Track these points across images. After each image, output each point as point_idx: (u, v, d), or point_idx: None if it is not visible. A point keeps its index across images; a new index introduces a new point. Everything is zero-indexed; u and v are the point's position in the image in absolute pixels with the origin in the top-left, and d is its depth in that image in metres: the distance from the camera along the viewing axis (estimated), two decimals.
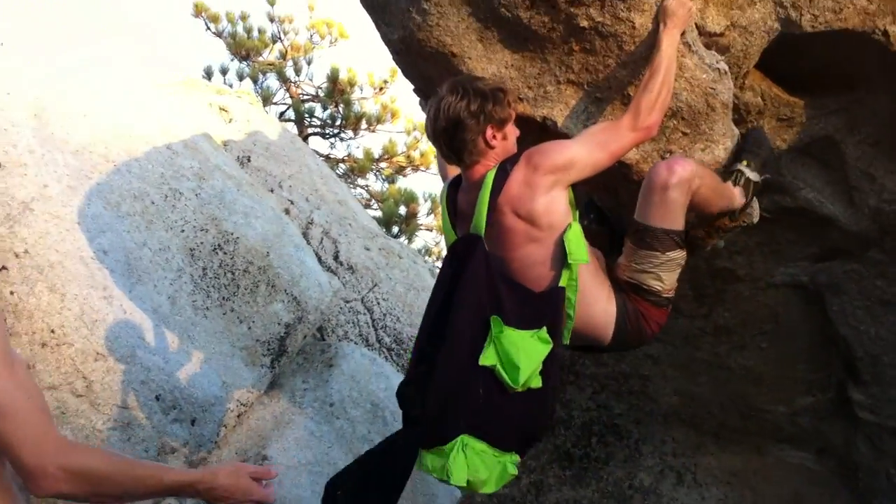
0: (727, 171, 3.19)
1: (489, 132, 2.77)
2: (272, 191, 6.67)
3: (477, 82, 2.80)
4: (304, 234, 6.50)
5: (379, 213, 12.73)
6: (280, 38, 14.76)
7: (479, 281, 2.70)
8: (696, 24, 3.09)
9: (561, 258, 2.73)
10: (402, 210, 12.76)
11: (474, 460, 2.64)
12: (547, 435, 2.92)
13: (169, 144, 5.49)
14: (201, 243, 5.13)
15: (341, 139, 14.20)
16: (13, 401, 1.78)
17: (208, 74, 13.71)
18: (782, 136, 3.56)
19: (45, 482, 1.80)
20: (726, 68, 3.03)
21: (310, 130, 14.01)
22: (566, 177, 2.73)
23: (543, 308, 2.72)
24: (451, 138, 2.78)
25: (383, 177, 14.28)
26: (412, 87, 3.71)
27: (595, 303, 2.86)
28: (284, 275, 5.41)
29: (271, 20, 14.67)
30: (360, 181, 14.21)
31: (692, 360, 4.64)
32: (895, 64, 3.17)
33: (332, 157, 14.10)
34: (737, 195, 3.17)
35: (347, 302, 6.44)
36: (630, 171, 3.15)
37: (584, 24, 2.89)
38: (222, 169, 5.71)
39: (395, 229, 12.80)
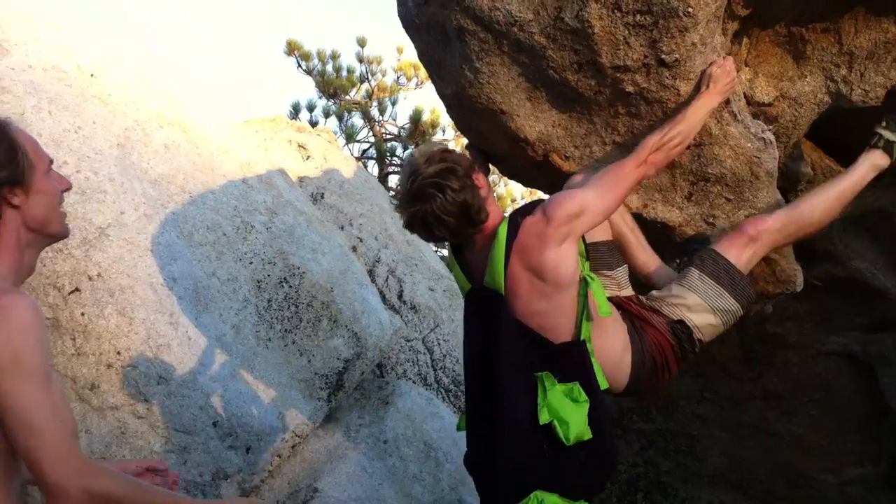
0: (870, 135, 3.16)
1: (476, 180, 2.77)
2: (342, 228, 6.80)
3: (424, 169, 2.72)
4: (370, 272, 6.60)
5: (446, 252, 12.83)
6: (368, 79, 15.08)
7: (513, 339, 2.73)
8: (744, 93, 3.11)
9: (576, 311, 2.75)
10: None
11: None
12: (613, 479, 2.92)
13: (245, 179, 5.66)
14: (268, 276, 5.25)
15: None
16: (46, 420, 1.88)
17: (296, 110, 14.09)
18: None
19: (66, 502, 1.88)
20: (772, 138, 3.03)
21: (390, 169, 14.25)
22: (578, 226, 2.71)
23: (569, 363, 2.72)
24: (467, 220, 2.75)
25: None
26: (466, 140, 3.79)
27: (612, 352, 2.87)
28: (346, 311, 5.50)
29: (360, 60, 15.03)
30: None
31: (740, 423, 4.58)
32: None
33: None
34: (878, 159, 3.13)
35: (408, 341, 6.51)
36: (673, 234, 3.17)
37: (630, 89, 2.94)
38: (294, 205, 5.86)
39: None
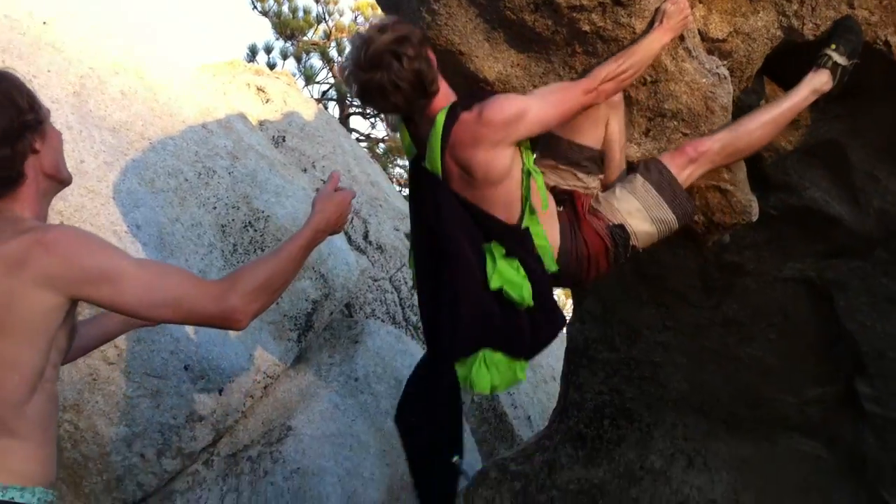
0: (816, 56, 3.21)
1: (430, 55, 2.78)
2: (305, 171, 6.81)
3: (379, 39, 2.69)
4: None
5: None
6: (325, 19, 14.90)
7: (458, 215, 2.85)
8: (698, 29, 3.17)
9: (518, 202, 2.86)
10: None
11: (493, 370, 2.90)
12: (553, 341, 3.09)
13: (205, 124, 5.64)
14: (232, 220, 5.27)
15: (382, 119, 14.35)
16: (179, 287, 2.03)
17: (252, 53, 13.90)
18: (788, 137, 3.62)
19: (239, 315, 2.05)
20: (726, 73, 3.11)
21: (351, 110, 14.16)
22: (513, 132, 2.74)
23: (513, 243, 2.86)
24: (420, 90, 2.75)
25: None
26: None
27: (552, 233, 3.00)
28: (313, 253, 5.53)
29: (317, 1, 14.84)
30: (400, 161, 14.32)
31: (702, 349, 4.72)
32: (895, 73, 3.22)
33: (372, 136, 14.27)
34: (823, 81, 3.18)
35: (375, 280, 6.58)
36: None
37: (587, 28, 2.99)
38: (256, 149, 5.86)
39: None
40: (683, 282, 4.36)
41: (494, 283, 2.80)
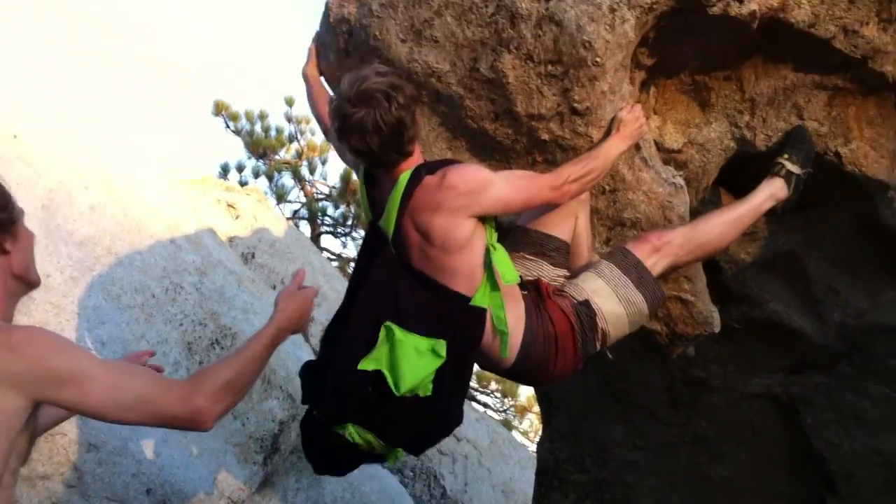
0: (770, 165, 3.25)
1: (417, 116, 2.74)
2: (274, 287, 6.80)
3: (373, 81, 2.65)
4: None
5: None
6: (297, 138, 15.13)
7: (382, 284, 2.73)
8: (654, 140, 3.26)
9: (478, 276, 2.76)
10: None
11: (366, 441, 2.73)
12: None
13: (173, 239, 5.64)
14: (199, 337, 5.21)
15: (352, 238, 14.43)
16: (144, 388, 1.98)
17: (224, 171, 14.07)
18: (746, 249, 3.68)
19: (205, 416, 2.00)
20: (682, 183, 3.17)
21: (322, 229, 14.26)
22: (475, 204, 2.70)
23: (457, 320, 2.73)
24: (396, 141, 2.68)
25: None
26: None
27: (515, 322, 2.84)
28: (280, 371, 5.46)
29: (289, 120, 15.08)
30: None
31: (672, 469, 4.65)
32: (849, 183, 3.30)
33: (343, 255, 14.31)
34: (778, 187, 3.21)
35: None
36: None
37: (546, 136, 3.06)
38: (224, 265, 5.84)
39: None
40: (651, 397, 4.33)
41: (364, 364, 2.62)
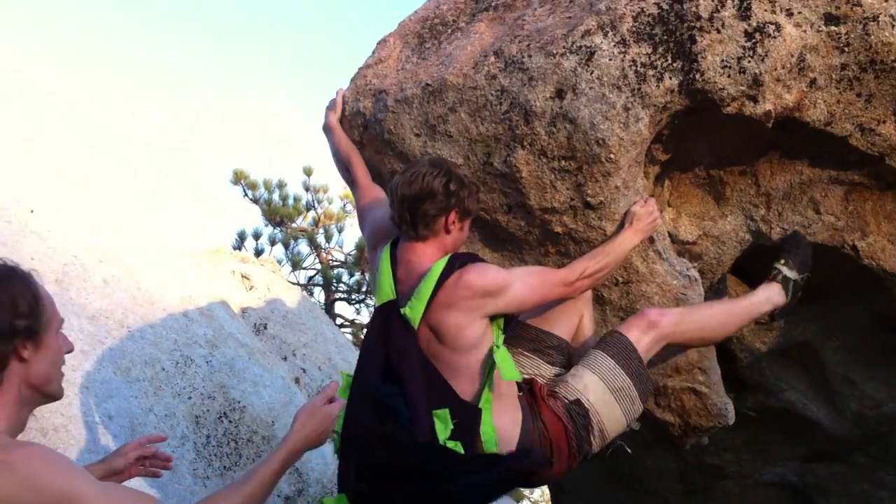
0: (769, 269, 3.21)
1: (453, 216, 2.73)
2: (285, 359, 6.75)
3: (457, 168, 2.78)
4: None
5: None
6: (314, 206, 15.27)
7: (418, 372, 2.67)
8: (668, 232, 3.23)
9: (479, 377, 2.70)
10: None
11: None
12: None
13: (185, 312, 5.63)
14: (207, 411, 5.16)
15: (366, 305, 14.41)
16: None
17: (241, 239, 14.15)
18: (762, 338, 3.63)
19: None
20: (697, 275, 3.13)
21: (337, 296, 14.27)
22: (490, 305, 2.67)
23: (462, 421, 2.65)
24: (415, 205, 2.69)
25: None
26: None
27: (502, 424, 2.74)
28: None
29: (307, 189, 15.23)
30: None
31: None
32: (865, 276, 3.25)
33: (356, 322, 14.29)
34: (775, 293, 3.16)
35: None
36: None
37: (559, 229, 3.04)
38: (236, 337, 5.82)
39: None
40: (664, 484, 4.25)
41: (444, 436, 2.57)
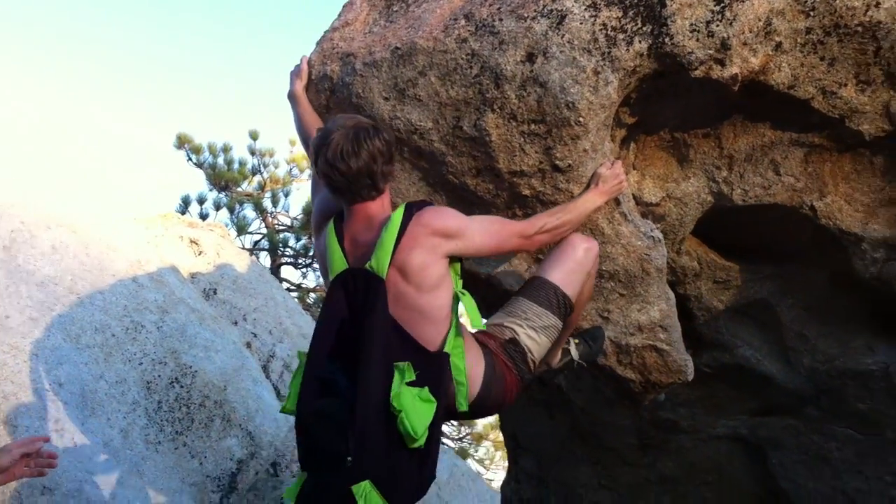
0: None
1: (390, 168, 2.75)
2: (236, 324, 6.69)
3: (365, 121, 2.75)
4: (265, 368, 6.49)
5: None
6: (260, 171, 15.08)
7: (387, 326, 2.66)
8: (633, 194, 3.26)
9: (447, 323, 2.73)
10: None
11: None
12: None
13: (135, 277, 5.53)
14: (159, 376, 5.10)
15: (313, 269, 14.31)
16: None
17: (185, 204, 13.90)
18: (719, 297, 3.70)
19: None
20: (660, 236, 3.17)
21: (283, 260, 14.14)
22: (448, 245, 2.71)
23: (428, 370, 2.65)
24: (370, 172, 2.68)
25: None
26: None
27: (475, 365, 2.82)
28: (240, 409, 5.38)
29: (252, 153, 15.02)
30: None
31: None
32: (823, 236, 3.32)
33: (303, 286, 14.17)
34: (561, 351, 3.29)
35: None
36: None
37: (527, 192, 3.05)
38: (186, 302, 5.74)
39: None
40: (620, 440, 4.33)
41: (396, 404, 2.54)
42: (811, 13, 2.79)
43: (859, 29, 2.81)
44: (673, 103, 3.06)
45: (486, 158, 3.01)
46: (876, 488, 3.96)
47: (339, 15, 3.37)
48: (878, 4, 2.77)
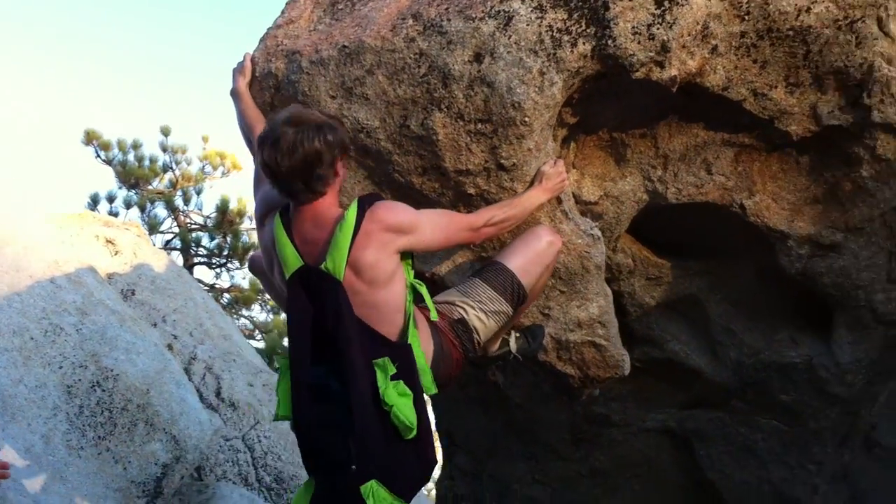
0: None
1: (339, 162, 2.74)
2: (155, 325, 6.57)
3: (314, 114, 2.73)
4: (187, 370, 6.39)
5: (262, 345, 12.51)
6: (172, 168, 14.82)
7: (355, 327, 2.71)
8: (573, 193, 3.35)
9: (402, 315, 2.80)
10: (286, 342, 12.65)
11: None
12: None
13: (53, 278, 5.40)
14: (79, 380, 5.00)
15: (227, 269, 14.14)
16: None
17: (94, 202, 13.57)
18: (651, 293, 3.83)
19: None
20: (599, 234, 3.28)
21: (196, 260, 13.93)
22: (399, 240, 2.75)
23: (397, 362, 2.71)
24: (307, 172, 2.66)
25: (269, 307, 14.16)
26: None
27: (427, 346, 2.91)
28: (164, 413, 5.29)
29: (164, 150, 14.76)
30: (245, 311, 14.05)
31: (570, 502, 4.74)
32: (751, 232, 3.48)
33: (217, 286, 13.99)
34: (500, 342, 3.38)
35: (228, 440, 6.31)
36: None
37: (472, 191, 3.12)
38: (106, 304, 5.62)
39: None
40: (554, 434, 4.43)
41: (388, 399, 2.62)
42: (746, 17, 2.94)
43: (790, 33, 2.97)
44: (613, 104, 3.18)
45: (433, 157, 3.08)
46: (800, 477, 4.16)
47: (283, 12, 3.39)
48: (808, 10, 2.93)
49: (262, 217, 3.03)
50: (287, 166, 2.64)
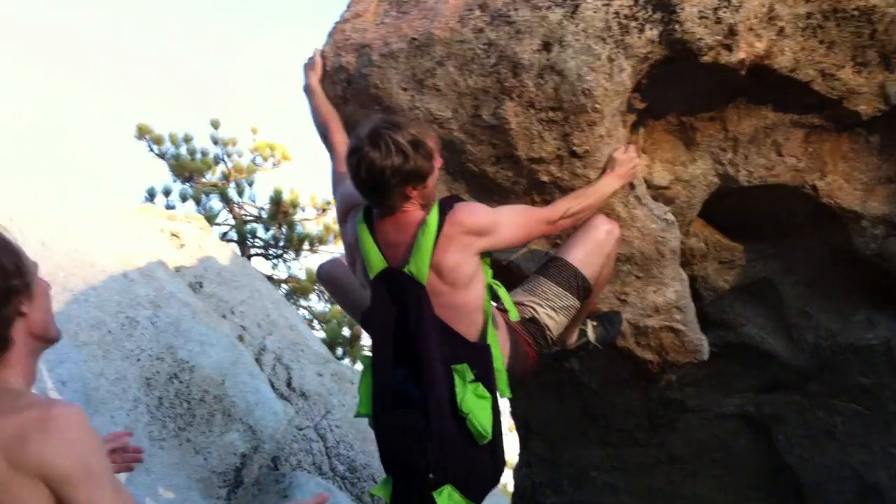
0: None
1: (409, 189, 2.85)
2: (224, 317, 6.88)
3: (399, 133, 2.79)
4: (258, 361, 6.69)
5: (322, 335, 12.82)
6: (223, 160, 15.30)
7: (436, 330, 2.89)
8: (644, 178, 3.54)
9: (482, 316, 2.98)
10: (346, 331, 12.91)
11: None
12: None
13: (125, 272, 5.72)
14: (157, 372, 5.29)
15: (284, 260, 14.51)
16: None
17: (151, 195, 14.04)
18: (724, 276, 3.99)
19: None
20: (673, 219, 3.46)
21: (252, 251, 14.31)
22: (480, 242, 2.91)
23: (475, 363, 2.89)
24: (372, 189, 2.86)
25: (326, 298, 14.43)
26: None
27: (504, 347, 3.11)
28: (240, 403, 5.57)
29: (215, 142, 15.22)
30: (303, 302, 14.39)
31: (648, 489, 4.91)
32: (824, 213, 3.63)
33: (274, 277, 14.34)
34: (578, 332, 3.58)
35: (301, 430, 6.60)
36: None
37: (545, 179, 3.33)
38: (177, 296, 5.93)
39: (340, 351, 12.91)
40: (630, 421, 4.59)
41: (464, 407, 2.79)
42: None
43: (856, 13, 3.13)
44: (680, 88, 3.35)
45: (506, 146, 3.29)
46: (881, 460, 4.24)
47: (349, 6, 3.62)
48: None
49: (344, 214, 3.25)
50: (356, 179, 2.87)
